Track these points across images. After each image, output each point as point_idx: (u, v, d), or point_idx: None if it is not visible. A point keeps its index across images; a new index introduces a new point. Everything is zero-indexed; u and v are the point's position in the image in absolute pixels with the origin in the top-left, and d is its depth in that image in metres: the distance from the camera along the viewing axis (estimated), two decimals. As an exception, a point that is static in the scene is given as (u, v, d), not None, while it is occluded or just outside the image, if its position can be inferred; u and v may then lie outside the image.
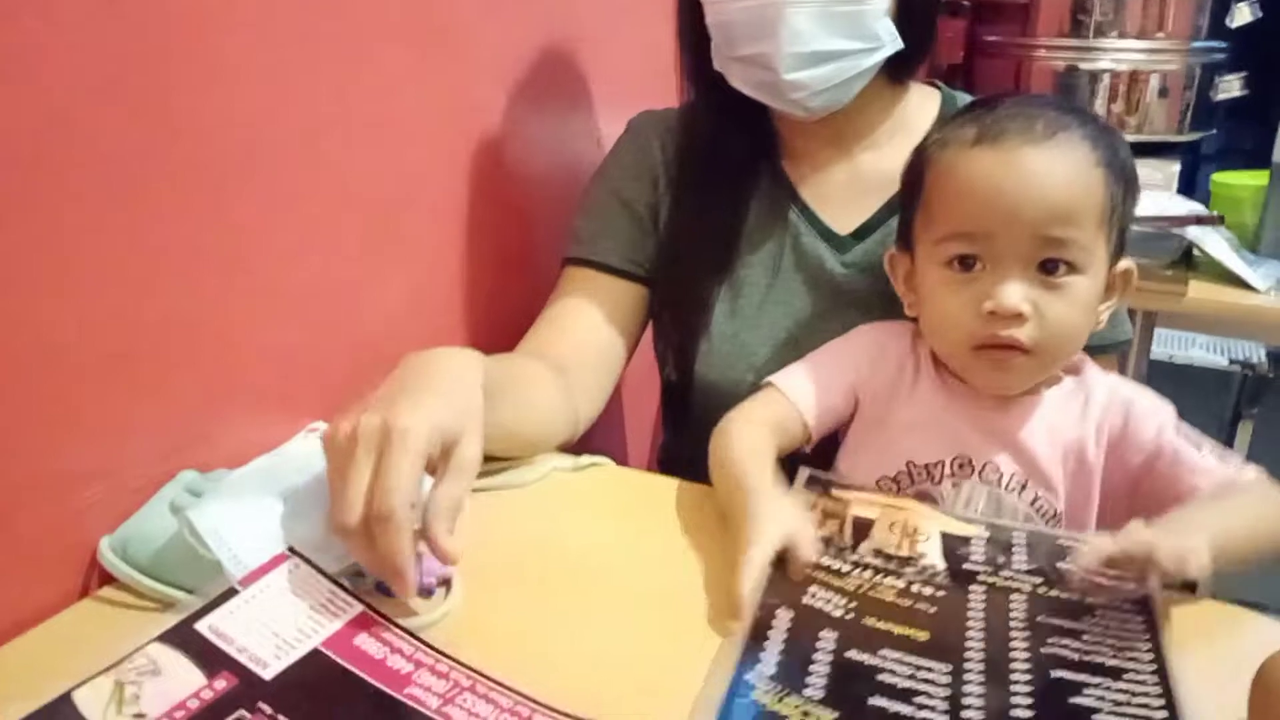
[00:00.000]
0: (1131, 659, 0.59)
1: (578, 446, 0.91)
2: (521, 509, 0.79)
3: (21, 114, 0.59)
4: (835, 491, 0.78)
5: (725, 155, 0.99)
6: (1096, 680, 0.57)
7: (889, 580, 0.67)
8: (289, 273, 0.82)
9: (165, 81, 0.68)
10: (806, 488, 0.78)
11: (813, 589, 0.65)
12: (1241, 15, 1.87)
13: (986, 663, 0.59)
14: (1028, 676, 0.58)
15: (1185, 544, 0.61)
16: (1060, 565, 0.69)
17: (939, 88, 1.02)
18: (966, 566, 0.69)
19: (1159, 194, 1.66)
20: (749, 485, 0.73)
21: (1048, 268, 0.74)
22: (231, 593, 0.59)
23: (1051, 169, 0.73)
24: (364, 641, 0.58)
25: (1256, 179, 1.64)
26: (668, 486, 0.83)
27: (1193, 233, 1.51)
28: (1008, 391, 0.80)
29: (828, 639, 0.60)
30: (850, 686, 0.56)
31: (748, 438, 0.79)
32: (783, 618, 0.61)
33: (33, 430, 0.63)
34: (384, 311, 0.93)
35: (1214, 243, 1.51)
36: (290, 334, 0.82)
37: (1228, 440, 2.20)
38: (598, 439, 0.98)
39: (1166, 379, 2.44)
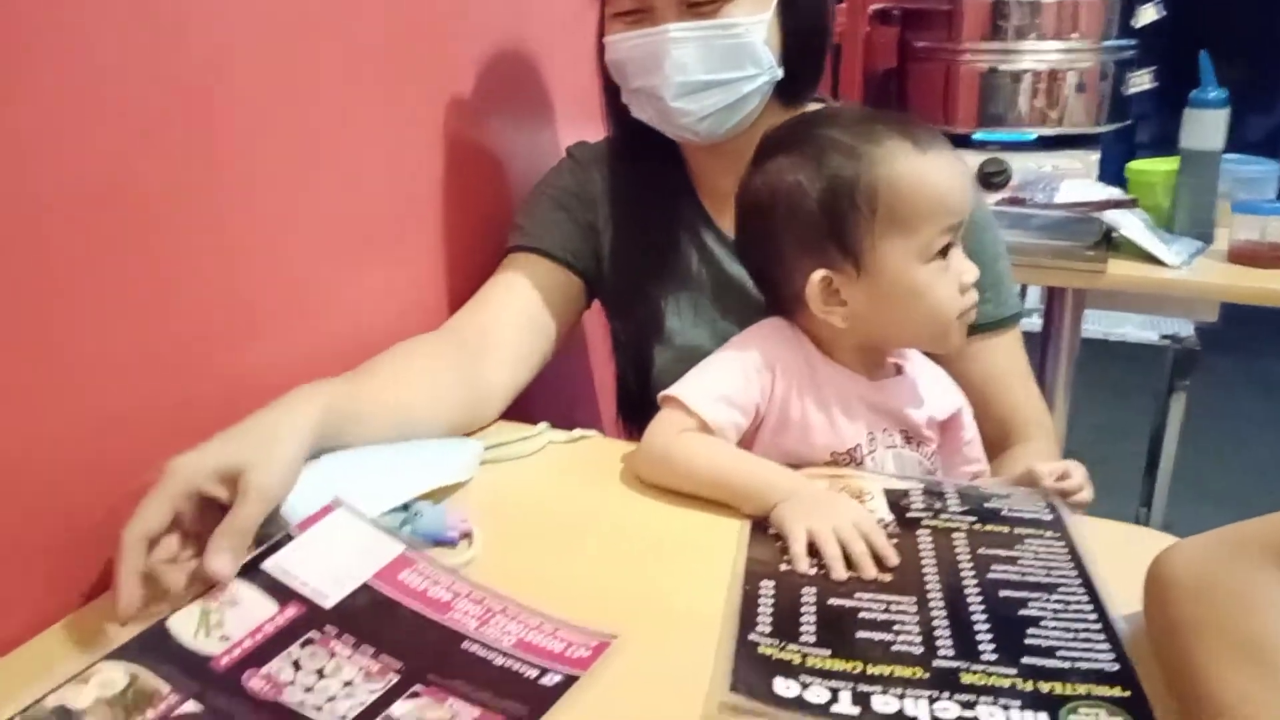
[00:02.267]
0: (1061, 576, 0.70)
1: (566, 421, 1.01)
2: (525, 476, 0.90)
3: (34, 165, 0.66)
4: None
5: (647, 189, 1.09)
6: (1037, 595, 0.68)
7: None
8: (284, 285, 0.89)
9: (175, 122, 0.76)
10: None
11: (785, 557, 0.74)
12: (1146, 15, 2.03)
13: (944, 591, 0.69)
14: (980, 597, 0.68)
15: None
16: (987, 506, 0.80)
17: (824, 102, 1.10)
18: (910, 514, 0.79)
19: (1080, 181, 1.79)
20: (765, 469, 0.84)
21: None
22: (288, 538, 0.68)
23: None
24: (407, 576, 0.68)
25: (1168, 164, 1.73)
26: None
27: (1110, 216, 1.63)
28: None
29: (809, 594, 0.69)
30: (837, 627, 0.65)
31: (699, 440, 0.86)
32: (767, 586, 0.70)
33: (41, 449, 0.68)
34: (374, 316, 1.01)
35: (1130, 224, 1.62)
36: (290, 343, 0.90)
37: (1162, 411, 2.27)
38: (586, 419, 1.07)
39: (1102, 355, 2.58)
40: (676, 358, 1.06)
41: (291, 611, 0.64)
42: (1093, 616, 0.65)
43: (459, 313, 1.06)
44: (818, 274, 0.86)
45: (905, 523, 0.78)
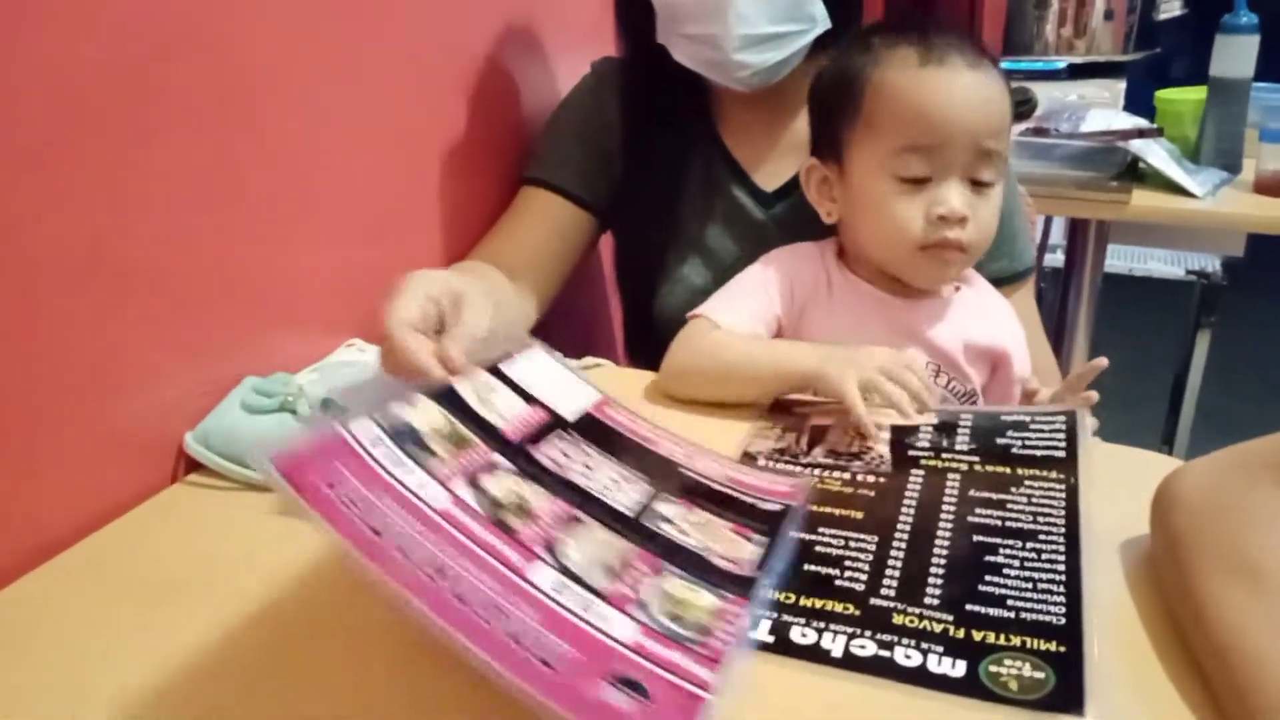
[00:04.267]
0: (1048, 523, 0.65)
1: (581, 350, 1.01)
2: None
3: (91, 68, 0.68)
4: (796, 409, 0.85)
5: (666, 119, 1.07)
6: (1011, 542, 0.63)
7: (835, 475, 0.74)
8: (323, 209, 0.91)
9: (214, 33, 0.77)
10: (770, 413, 0.86)
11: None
12: (1179, -62, 1.98)
13: (912, 533, 0.65)
14: (947, 543, 0.64)
15: None
16: (999, 442, 0.75)
17: None
18: (911, 453, 0.75)
19: (1106, 111, 1.76)
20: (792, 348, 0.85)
21: (979, 177, 0.84)
22: (506, 358, 0.69)
23: (990, 90, 0.83)
24: (615, 414, 0.73)
25: (1196, 94, 1.71)
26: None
27: (1136, 145, 1.60)
28: (943, 285, 0.90)
29: None
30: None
31: (728, 334, 0.88)
32: None
33: (119, 342, 0.72)
34: (407, 239, 1.03)
35: (1156, 154, 1.59)
36: (330, 260, 0.92)
37: (1188, 348, 2.26)
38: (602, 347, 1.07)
39: (1126, 291, 2.55)
40: (679, 294, 1.05)
41: (541, 413, 0.67)
42: (1060, 569, 0.61)
43: (486, 246, 1.06)
44: (809, 161, 0.92)
45: (901, 461, 0.75)
